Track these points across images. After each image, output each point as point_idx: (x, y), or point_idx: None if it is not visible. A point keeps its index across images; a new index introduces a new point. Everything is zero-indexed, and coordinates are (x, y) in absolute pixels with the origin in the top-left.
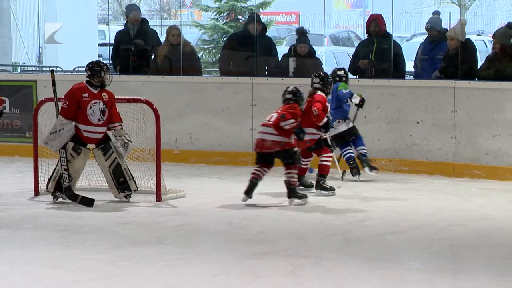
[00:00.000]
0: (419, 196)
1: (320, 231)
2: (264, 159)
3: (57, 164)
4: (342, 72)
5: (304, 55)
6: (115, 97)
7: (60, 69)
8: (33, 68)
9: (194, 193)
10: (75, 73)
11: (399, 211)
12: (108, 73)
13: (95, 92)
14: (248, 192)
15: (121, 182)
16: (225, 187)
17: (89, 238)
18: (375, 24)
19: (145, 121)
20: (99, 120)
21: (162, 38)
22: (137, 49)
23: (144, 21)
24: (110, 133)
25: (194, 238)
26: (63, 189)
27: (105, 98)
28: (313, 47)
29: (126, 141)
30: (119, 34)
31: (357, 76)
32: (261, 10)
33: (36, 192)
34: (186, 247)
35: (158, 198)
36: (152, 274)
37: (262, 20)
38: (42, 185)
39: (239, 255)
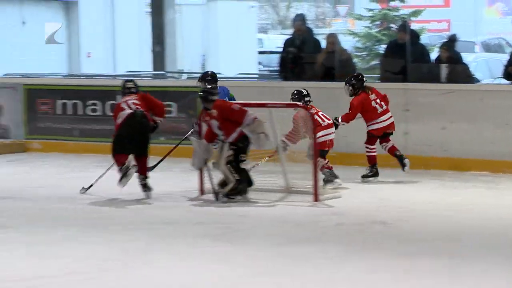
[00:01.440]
0: None
1: (475, 232)
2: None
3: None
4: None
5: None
6: (277, 102)
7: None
8: (197, 75)
9: (349, 194)
10: (236, 80)
11: None
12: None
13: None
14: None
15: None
16: (379, 187)
17: (251, 235)
18: None
19: (303, 125)
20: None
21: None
22: (293, 56)
23: (309, 30)
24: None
25: (349, 237)
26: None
27: (214, 114)
28: (464, 53)
29: (260, 134)
30: (286, 43)
31: (511, 82)
32: (412, 18)
33: (202, 192)
34: (343, 245)
35: (316, 198)
36: (310, 271)
37: (413, 28)
38: (207, 184)
39: (392, 254)
